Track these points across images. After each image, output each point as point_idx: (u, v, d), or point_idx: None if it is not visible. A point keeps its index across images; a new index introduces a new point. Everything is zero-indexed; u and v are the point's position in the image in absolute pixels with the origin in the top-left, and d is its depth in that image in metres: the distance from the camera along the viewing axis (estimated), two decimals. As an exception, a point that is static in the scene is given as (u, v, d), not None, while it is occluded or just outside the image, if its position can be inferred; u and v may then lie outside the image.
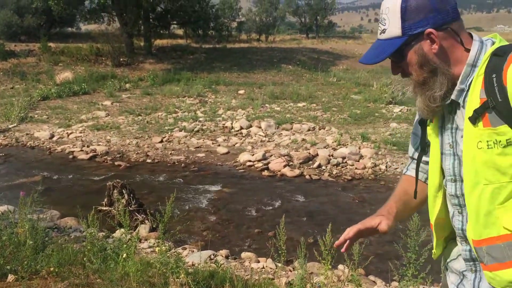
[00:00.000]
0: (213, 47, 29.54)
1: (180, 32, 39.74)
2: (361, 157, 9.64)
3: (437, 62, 1.35)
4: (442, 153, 1.46)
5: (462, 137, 1.36)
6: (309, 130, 12.00)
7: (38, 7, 26.55)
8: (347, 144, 10.45)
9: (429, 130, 1.52)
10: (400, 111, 14.33)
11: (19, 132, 12.39)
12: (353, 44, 38.54)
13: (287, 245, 4.16)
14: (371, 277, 4.93)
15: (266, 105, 15.48)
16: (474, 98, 1.31)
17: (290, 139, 11.18)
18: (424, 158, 1.63)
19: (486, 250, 1.34)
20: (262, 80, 21.06)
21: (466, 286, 1.48)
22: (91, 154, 10.49)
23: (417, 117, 1.62)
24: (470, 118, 1.31)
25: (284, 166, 9.31)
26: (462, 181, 1.39)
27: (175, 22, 30.57)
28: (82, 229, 5.88)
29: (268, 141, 11.23)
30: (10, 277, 2.87)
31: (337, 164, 9.42)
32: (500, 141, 1.26)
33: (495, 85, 1.26)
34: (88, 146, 11.03)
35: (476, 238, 1.35)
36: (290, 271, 4.79)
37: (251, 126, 12.32)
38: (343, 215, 7.17)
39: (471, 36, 1.39)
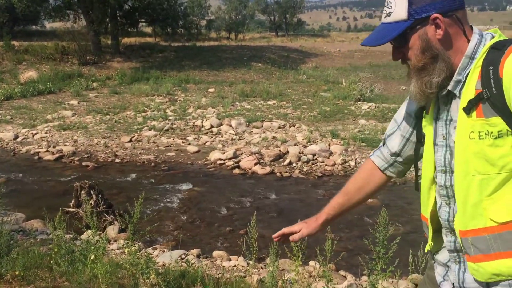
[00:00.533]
0: (182, 46, 29.33)
1: (148, 30, 39.24)
2: (331, 154, 9.73)
3: (439, 49, 1.36)
4: (435, 144, 1.47)
5: (455, 128, 1.38)
6: (279, 127, 12.04)
7: (0, 4, 25.75)
8: (317, 141, 10.53)
9: (424, 122, 1.52)
10: (368, 108, 14.54)
11: (-18, 133, 11.99)
12: (322, 42, 38.91)
13: (258, 243, 4.16)
14: (342, 272, 4.98)
15: (237, 103, 15.46)
16: (470, 89, 1.33)
17: (260, 137, 11.19)
18: (392, 149, 1.66)
19: (472, 241, 1.35)
20: (232, 78, 21.03)
21: (451, 277, 1.50)
22: (57, 155, 10.24)
23: (405, 105, 1.63)
24: (464, 109, 1.33)
25: (255, 164, 9.31)
26: (452, 172, 1.41)
27: (143, 20, 30.15)
28: (48, 232, 5.73)
29: (239, 139, 11.22)
30: (-28, 283, 2.78)
31: (308, 161, 9.49)
32: (491, 132, 1.28)
33: (491, 77, 1.28)
34: (54, 147, 10.76)
35: (463, 228, 1.36)
36: (262, 268, 4.80)
37: (221, 125, 12.28)
38: (314, 212, 7.19)
39: (472, 29, 1.41)
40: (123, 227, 6.10)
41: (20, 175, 9.08)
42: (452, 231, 1.44)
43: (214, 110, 14.16)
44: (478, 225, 1.33)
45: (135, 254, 3.61)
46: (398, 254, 3.28)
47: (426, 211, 1.54)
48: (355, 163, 9.28)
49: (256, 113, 13.81)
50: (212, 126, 12.18)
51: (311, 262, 4.96)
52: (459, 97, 1.37)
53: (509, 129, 1.27)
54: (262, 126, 12.18)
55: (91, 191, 6.65)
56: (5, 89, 16.74)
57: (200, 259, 5.16)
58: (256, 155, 9.75)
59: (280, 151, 9.96)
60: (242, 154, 9.91)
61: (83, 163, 9.76)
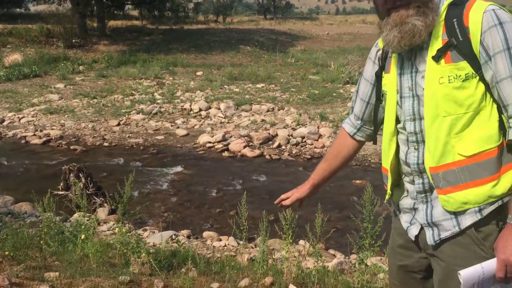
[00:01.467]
0: (169, 29, 28.98)
1: (135, 13, 38.73)
2: (320, 136, 9.77)
3: None
4: (401, 97, 1.60)
5: (423, 77, 1.52)
6: (268, 110, 12.03)
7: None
8: (306, 124, 10.56)
9: (385, 80, 1.67)
10: (357, 91, 14.55)
11: (-34, 117, 11.82)
12: (310, 25, 38.71)
13: (248, 224, 4.18)
14: (331, 251, 5.05)
15: (225, 86, 15.38)
16: (436, 40, 1.49)
17: (249, 120, 11.18)
18: (356, 114, 1.84)
19: (442, 175, 1.50)
20: (221, 61, 20.88)
21: (418, 218, 1.62)
22: (44, 139, 10.15)
23: (368, 69, 1.78)
24: (433, 57, 1.48)
25: (244, 147, 9.32)
26: (421, 119, 1.55)
27: (129, 2, 29.74)
28: (37, 214, 5.70)
29: (228, 123, 11.20)
30: (-38, 263, 2.76)
31: (297, 144, 9.52)
32: (460, 76, 1.45)
33: (457, 28, 1.45)
34: (41, 131, 10.66)
35: (434, 165, 1.51)
36: (252, 248, 4.84)
37: (210, 108, 12.23)
38: (303, 193, 7.27)
39: None
40: (112, 208, 6.09)
41: (7, 159, 9.00)
42: (420, 173, 1.58)
43: (203, 94, 14.08)
44: (447, 161, 1.48)
45: (125, 233, 3.61)
46: (386, 229, 3.32)
47: (387, 163, 1.69)
48: (344, 145, 9.32)
49: (245, 96, 13.77)
50: (200, 110, 12.13)
51: (301, 242, 5.00)
52: (426, 48, 1.51)
53: (474, 72, 1.44)
54: (251, 109, 12.16)
55: (80, 174, 6.62)
56: (-11, 72, 16.47)
57: (191, 239, 5.18)
58: (245, 138, 9.75)
59: (269, 134, 9.97)
60: (231, 137, 9.91)
61: (71, 147, 9.69)
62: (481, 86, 1.46)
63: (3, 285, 2.22)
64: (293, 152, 9.22)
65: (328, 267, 3.64)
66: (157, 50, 22.32)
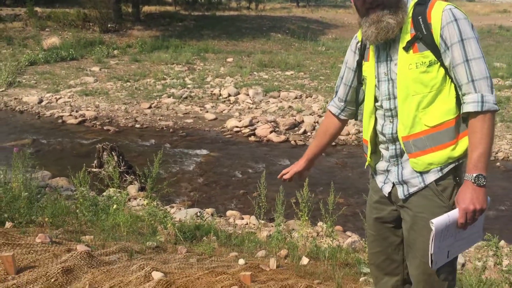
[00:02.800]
0: (202, 15, 29.24)
1: (169, -2, 39.13)
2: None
3: None
4: (378, 81, 1.95)
5: (396, 64, 1.87)
6: (296, 98, 12.18)
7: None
8: (333, 112, 10.66)
9: (365, 67, 2.02)
10: (386, 80, 14.51)
11: (8, 96, 12.41)
12: (343, 13, 38.29)
13: (270, 205, 4.42)
14: (348, 233, 5.24)
15: (254, 73, 15.57)
16: (406, 35, 1.84)
17: (277, 106, 11.36)
18: (340, 97, 2.16)
19: (413, 142, 1.86)
20: (251, 48, 21.04)
21: (391, 178, 1.97)
22: (80, 119, 10.61)
23: (344, 64, 2.13)
24: (404, 48, 1.83)
25: (270, 132, 9.53)
26: (394, 98, 1.90)
27: (163, -12, 30.07)
28: (73, 189, 6.09)
29: (256, 108, 11.41)
30: (8, 224, 3.07)
31: (322, 131, 9.65)
32: (424, 62, 1.80)
33: (422, 24, 1.81)
34: (77, 111, 11.13)
35: (406, 134, 1.86)
36: (272, 226, 5.07)
37: (239, 94, 12.46)
38: (326, 178, 7.42)
39: None
40: (142, 185, 6.42)
41: (45, 137, 9.47)
42: (393, 141, 1.94)
43: (232, 79, 14.32)
44: (416, 131, 1.84)
45: (153, 207, 3.89)
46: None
47: (367, 135, 2.03)
48: (369, 133, 9.42)
49: (274, 83, 13.93)
50: (229, 95, 12.38)
51: (319, 223, 5.20)
52: (398, 40, 1.86)
53: (436, 59, 1.80)
54: (279, 96, 12.33)
55: (113, 153, 6.98)
56: (29, 54, 17.10)
57: (214, 217, 5.45)
58: (272, 123, 9.95)
59: (295, 120, 10.14)
60: (258, 122, 10.13)
61: (105, 127, 10.10)
62: (442, 71, 1.81)
63: (45, 241, 2.51)
64: (318, 138, 9.36)
65: (342, 244, 3.83)
66: (189, 36, 22.63)
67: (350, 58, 2.11)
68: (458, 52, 1.76)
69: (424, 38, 1.80)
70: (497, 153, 8.46)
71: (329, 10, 40.33)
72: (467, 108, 1.76)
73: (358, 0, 1.86)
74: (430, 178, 1.86)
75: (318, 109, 10.85)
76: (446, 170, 1.84)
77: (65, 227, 3.28)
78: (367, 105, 2.02)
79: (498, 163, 8.05)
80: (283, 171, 2.28)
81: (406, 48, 1.83)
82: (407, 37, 1.84)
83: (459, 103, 1.82)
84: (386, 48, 1.91)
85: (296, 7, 44.74)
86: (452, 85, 1.82)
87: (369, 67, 1.99)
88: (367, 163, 2.10)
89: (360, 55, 2.05)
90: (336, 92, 2.21)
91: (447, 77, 1.82)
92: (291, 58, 17.87)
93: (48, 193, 4.70)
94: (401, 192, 1.93)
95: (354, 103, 2.17)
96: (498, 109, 1.81)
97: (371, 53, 1.98)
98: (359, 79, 2.08)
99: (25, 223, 3.14)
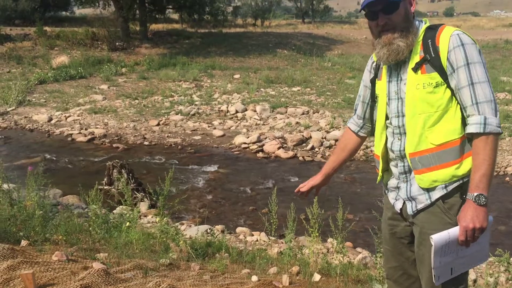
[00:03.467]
0: (208, 32, 29.57)
1: (175, 16, 39.60)
2: (353, 139, 9.89)
3: (411, 20, 1.98)
4: (389, 99, 2.06)
5: (405, 84, 1.98)
6: (303, 113, 12.24)
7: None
8: (340, 127, 10.71)
9: (378, 85, 2.14)
10: (392, 95, 14.54)
11: (18, 115, 12.58)
12: (349, 29, 38.59)
13: (280, 222, 4.44)
14: (358, 249, 5.23)
15: (261, 89, 15.68)
16: (416, 56, 1.95)
17: (284, 122, 11.43)
18: (359, 114, 2.28)
19: (418, 159, 1.95)
20: (258, 64, 21.21)
21: (401, 194, 2.07)
22: (89, 137, 10.72)
23: (365, 77, 2.24)
24: (413, 68, 1.95)
25: (278, 148, 9.58)
26: (403, 116, 2.00)
27: (170, 7, 30.50)
28: (83, 206, 6.15)
29: (263, 124, 11.48)
30: (24, 242, 3.12)
31: (330, 146, 9.70)
32: (431, 83, 1.91)
33: (430, 47, 1.92)
34: (86, 129, 11.25)
35: (412, 151, 1.96)
36: (282, 243, 5.07)
37: (246, 110, 12.55)
38: (335, 194, 7.43)
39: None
40: (152, 203, 6.46)
41: (55, 155, 9.57)
42: (401, 158, 2.03)
43: (239, 96, 14.43)
44: (422, 148, 1.94)
45: (165, 223, 3.93)
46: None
47: (378, 150, 2.14)
48: (377, 148, 9.44)
49: (281, 99, 14.02)
50: (237, 111, 12.47)
51: (329, 240, 5.21)
52: (408, 61, 1.98)
53: (443, 81, 1.90)
54: (286, 112, 12.40)
55: (123, 170, 7.04)
56: (38, 73, 17.35)
57: (224, 234, 5.46)
58: (280, 139, 10.00)
59: (303, 136, 10.19)
60: (266, 138, 10.18)
61: (114, 145, 10.20)
62: (448, 92, 1.91)
63: (62, 259, 2.56)
64: (326, 154, 9.39)
65: (353, 260, 3.84)
66: (196, 53, 22.87)
67: (366, 77, 2.24)
68: (464, 75, 1.86)
69: (432, 60, 1.91)
70: (506, 167, 8.44)
71: (335, 26, 40.66)
72: (470, 129, 1.85)
73: (372, 23, 2.00)
74: (436, 195, 1.94)
75: (326, 125, 10.90)
76: (451, 187, 1.92)
77: (79, 244, 3.32)
78: (379, 122, 2.14)
79: (507, 178, 8.03)
80: (300, 186, 2.36)
81: (415, 69, 1.94)
82: (416, 58, 1.95)
83: (464, 124, 1.90)
84: (397, 68, 2.03)
85: (301, 23, 45.15)
86: (458, 106, 1.91)
87: (381, 86, 2.11)
88: (379, 178, 2.19)
89: (374, 74, 2.19)
90: (355, 110, 2.33)
91: (453, 99, 1.91)
92: (297, 74, 17.99)
93: (61, 211, 4.75)
94: (410, 208, 2.03)
95: (370, 120, 2.27)
96: (501, 132, 1.90)
97: (383, 72, 2.10)
98: (373, 96, 2.20)
99: (41, 241, 3.18)
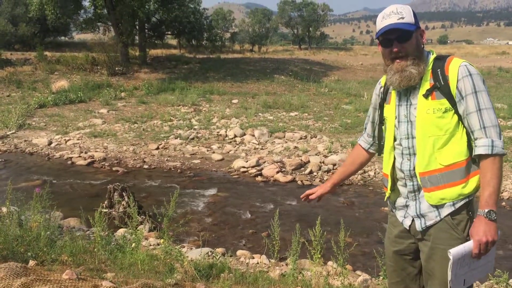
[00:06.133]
0: (206, 57, 29.98)
1: (174, 42, 40.19)
2: (351, 164, 9.99)
3: (422, 50, 2.16)
4: (398, 121, 2.22)
5: (415, 108, 2.15)
6: (301, 138, 12.38)
7: (33, 16, 26.86)
8: (338, 152, 10.83)
9: (386, 108, 2.32)
10: (389, 120, 14.72)
11: (18, 138, 12.65)
12: (344, 55, 39.18)
13: (280, 245, 4.49)
14: (358, 272, 5.27)
15: (260, 114, 15.86)
16: (426, 83, 2.14)
17: (282, 146, 11.54)
18: (369, 133, 2.49)
19: (428, 178, 2.12)
20: (255, 90, 21.48)
21: (410, 212, 2.23)
22: (89, 160, 10.78)
23: (374, 100, 2.43)
24: (423, 95, 2.13)
25: (277, 172, 9.66)
26: (413, 138, 2.16)
27: (169, 33, 31.00)
28: (85, 229, 6.19)
29: (261, 149, 11.59)
30: (31, 262, 3.17)
31: (328, 171, 9.79)
32: (441, 109, 2.09)
33: (440, 75, 2.11)
34: (86, 153, 11.32)
35: (422, 170, 2.13)
36: (283, 265, 5.12)
37: (244, 134, 12.68)
38: (333, 218, 7.51)
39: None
40: (153, 226, 6.51)
41: (55, 178, 9.61)
42: (411, 177, 2.19)
43: (238, 121, 14.59)
44: (431, 168, 2.12)
45: (169, 245, 3.99)
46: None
47: (387, 169, 2.31)
48: (374, 173, 9.54)
49: (279, 124, 14.18)
50: (235, 136, 12.60)
51: (330, 263, 5.25)
52: (418, 88, 2.16)
53: (451, 107, 2.09)
54: (284, 137, 12.54)
55: (123, 193, 7.10)
56: (38, 97, 17.52)
57: (225, 257, 5.50)
58: (278, 163, 10.10)
59: (301, 160, 10.29)
60: (264, 162, 10.27)
61: (113, 168, 10.26)
62: (455, 117, 2.10)
63: (72, 278, 2.61)
64: (325, 178, 9.48)
65: (354, 282, 3.89)
66: (194, 78, 23.16)
67: (375, 100, 2.43)
68: (472, 102, 2.05)
69: (442, 88, 2.10)
70: (502, 192, 8.55)
71: (331, 52, 41.27)
72: (478, 151, 2.02)
73: (386, 50, 2.18)
74: (445, 212, 2.11)
75: (324, 149, 11.02)
76: (458, 205, 2.10)
77: (86, 265, 3.38)
78: (387, 143, 2.31)
79: (503, 203, 8.13)
80: (308, 192, 2.53)
81: (426, 95, 2.12)
82: (426, 85, 2.14)
83: (470, 146, 2.09)
84: (407, 93, 2.21)
85: (298, 49, 45.82)
86: (464, 130, 2.10)
87: (389, 109, 2.29)
88: (387, 196, 2.36)
89: (382, 98, 2.36)
90: (365, 129, 2.55)
91: (460, 123, 2.10)
92: (295, 99, 18.22)
93: (66, 232, 4.80)
94: (419, 225, 2.18)
95: (380, 138, 2.47)
96: (506, 153, 2.12)
97: (392, 97, 2.28)
98: (381, 118, 2.39)
99: (49, 261, 3.24)
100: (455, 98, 2.08)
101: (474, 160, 2.10)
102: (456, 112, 2.09)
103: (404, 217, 2.25)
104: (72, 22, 27.93)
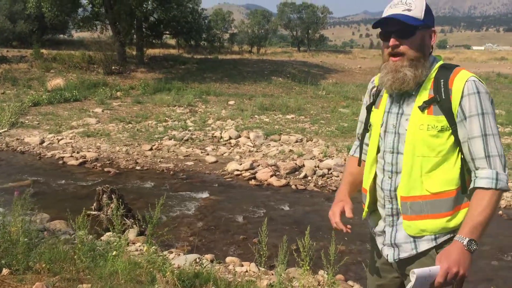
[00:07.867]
0: (204, 58, 29.85)
1: (172, 42, 40.04)
2: (346, 168, 9.86)
3: (426, 53, 1.83)
4: (385, 131, 1.90)
5: (407, 120, 1.82)
6: (296, 141, 12.24)
7: (31, 13, 26.68)
8: (333, 156, 10.69)
9: (373, 114, 1.99)
10: (386, 125, 14.62)
11: (10, 137, 12.48)
12: (343, 58, 39.10)
13: (271, 251, 4.35)
14: (350, 283, 5.13)
15: (256, 116, 15.72)
16: (425, 93, 1.81)
17: (278, 149, 11.40)
18: (366, 141, 2.10)
19: (410, 204, 1.81)
20: (252, 91, 21.34)
21: (386, 239, 1.92)
22: (81, 160, 10.62)
23: (365, 100, 2.10)
24: (419, 107, 1.79)
25: (271, 176, 9.51)
26: (398, 153, 1.85)
27: (167, 32, 30.84)
28: (71, 232, 6.02)
29: (256, 152, 11.45)
30: (5, 271, 3.02)
31: (323, 175, 9.65)
32: (437, 126, 1.76)
33: (442, 87, 1.77)
34: (78, 152, 11.15)
35: (405, 194, 1.82)
36: (272, 274, 4.97)
37: (240, 137, 12.53)
38: (326, 224, 7.36)
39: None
40: (141, 230, 6.35)
41: (45, 178, 9.44)
42: (391, 199, 1.87)
43: (233, 122, 14.44)
44: (415, 193, 1.80)
45: (153, 253, 3.83)
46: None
47: (366, 184, 1.99)
48: (370, 178, 9.40)
49: (275, 126, 14.04)
50: (230, 138, 12.45)
51: (320, 272, 5.11)
52: (414, 96, 1.83)
53: (449, 126, 1.76)
54: (280, 140, 12.40)
55: (112, 195, 6.95)
56: (33, 95, 17.35)
57: (214, 264, 5.35)
58: (273, 167, 9.95)
59: (296, 164, 10.15)
60: (258, 165, 10.13)
61: (105, 169, 10.10)
62: (451, 139, 1.78)
63: (42, 291, 2.47)
64: (319, 183, 9.34)
65: (343, 295, 3.74)
66: (191, 78, 23.01)
67: (366, 100, 2.11)
68: (477, 125, 1.74)
69: (441, 102, 1.77)
70: (500, 200, 8.40)
71: (330, 55, 41.20)
72: (480, 183, 1.72)
73: (384, 43, 1.86)
74: (423, 246, 1.82)
75: (319, 153, 10.88)
76: (441, 240, 1.80)
77: (62, 274, 3.22)
78: (370, 154, 1.99)
79: (500, 211, 8.00)
80: (337, 221, 1.99)
81: (422, 108, 1.79)
82: (424, 95, 1.81)
83: (462, 175, 1.79)
84: (400, 100, 1.88)
85: (297, 51, 45.75)
86: (460, 155, 1.79)
87: (377, 115, 1.96)
88: (364, 214, 2.04)
89: (372, 100, 2.04)
90: (358, 133, 2.21)
91: (456, 147, 1.79)
92: (292, 102, 18.09)
93: (47, 237, 4.64)
94: (391, 256, 1.89)
95: (362, 146, 2.16)
96: (509, 190, 1.82)
97: (383, 100, 1.95)
98: (366, 124, 2.06)
99: (23, 270, 3.08)
100: (456, 118, 1.76)
101: (464, 190, 1.78)
102: (454, 133, 1.77)
103: (383, 245, 1.94)
104: (70, 21, 27.71)
